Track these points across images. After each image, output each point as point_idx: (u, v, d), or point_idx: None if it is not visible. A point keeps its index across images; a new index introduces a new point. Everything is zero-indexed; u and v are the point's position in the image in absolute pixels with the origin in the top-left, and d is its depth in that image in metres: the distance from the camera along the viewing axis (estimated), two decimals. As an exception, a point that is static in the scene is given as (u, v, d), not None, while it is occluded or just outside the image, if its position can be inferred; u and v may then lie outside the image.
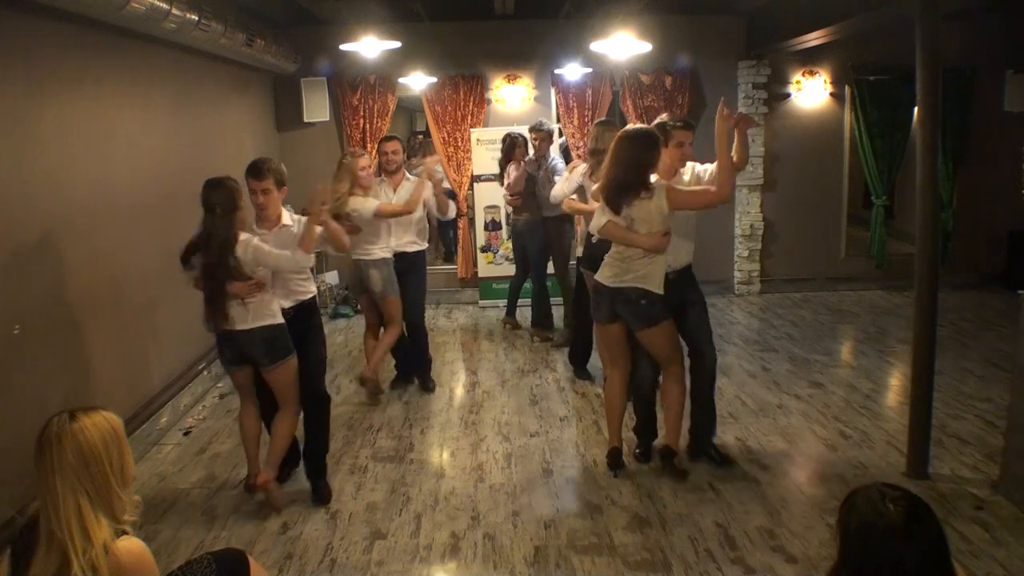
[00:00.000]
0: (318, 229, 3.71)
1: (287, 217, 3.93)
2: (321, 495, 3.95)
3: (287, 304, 3.90)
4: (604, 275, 3.89)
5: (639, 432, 4.30)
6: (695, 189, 3.86)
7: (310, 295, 4.05)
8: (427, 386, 5.55)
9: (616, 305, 3.86)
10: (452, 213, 5.55)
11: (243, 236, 3.61)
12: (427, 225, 5.47)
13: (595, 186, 4.18)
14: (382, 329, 5.34)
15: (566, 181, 5.17)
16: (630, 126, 3.87)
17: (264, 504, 3.87)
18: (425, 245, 5.46)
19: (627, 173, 3.70)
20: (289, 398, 3.86)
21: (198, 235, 3.61)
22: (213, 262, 3.54)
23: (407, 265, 5.29)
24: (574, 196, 5.20)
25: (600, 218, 3.85)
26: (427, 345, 5.63)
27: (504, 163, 6.43)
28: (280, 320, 3.76)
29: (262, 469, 3.84)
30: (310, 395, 3.98)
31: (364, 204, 4.94)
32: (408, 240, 5.30)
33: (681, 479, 3.99)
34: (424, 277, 5.48)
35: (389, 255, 5.15)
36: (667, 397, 4.05)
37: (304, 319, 3.98)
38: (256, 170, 3.81)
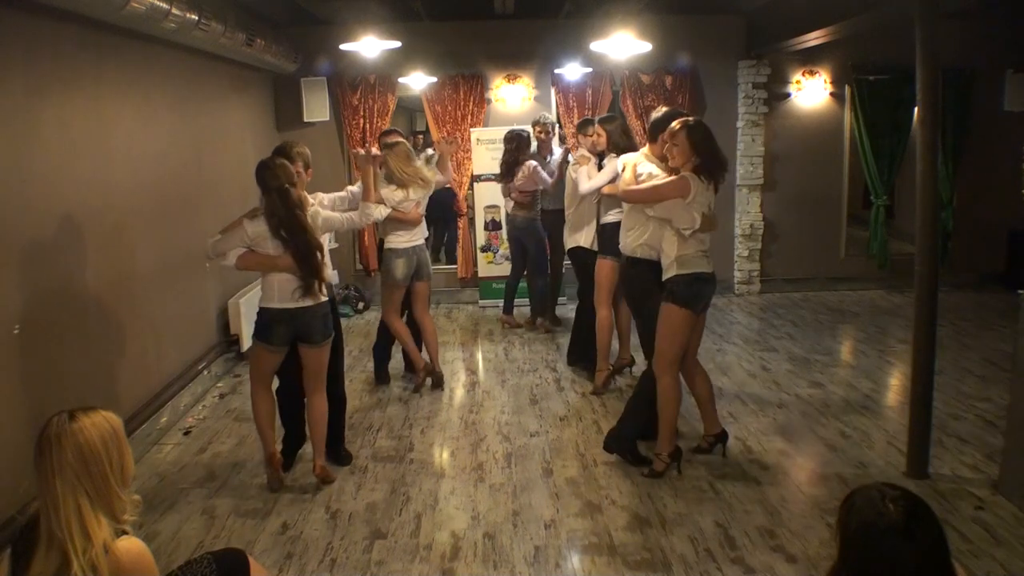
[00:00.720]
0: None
1: (309, 198, 4.08)
2: (340, 458, 4.31)
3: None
4: (705, 266, 3.94)
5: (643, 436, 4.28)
6: None
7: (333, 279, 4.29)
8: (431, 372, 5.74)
9: (708, 293, 4.00)
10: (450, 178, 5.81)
11: (311, 208, 3.85)
12: None
13: (626, 178, 4.22)
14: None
15: (603, 172, 5.14)
16: (692, 117, 3.97)
17: (265, 504, 3.89)
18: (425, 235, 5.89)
19: (719, 157, 3.91)
20: (321, 379, 4.02)
21: (270, 219, 3.73)
22: (299, 233, 3.71)
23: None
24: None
25: (690, 214, 3.84)
26: None
27: (516, 161, 6.44)
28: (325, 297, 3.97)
29: (315, 459, 4.05)
30: (335, 373, 4.26)
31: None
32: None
33: (726, 456, 4.26)
34: None
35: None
36: (703, 388, 4.22)
37: (332, 301, 4.17)
38: (283, 154, 3.99)
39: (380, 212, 4.15)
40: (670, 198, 3.90)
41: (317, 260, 3.79)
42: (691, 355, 4.18)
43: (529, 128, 6.62)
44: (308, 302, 3.83)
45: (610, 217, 5.11)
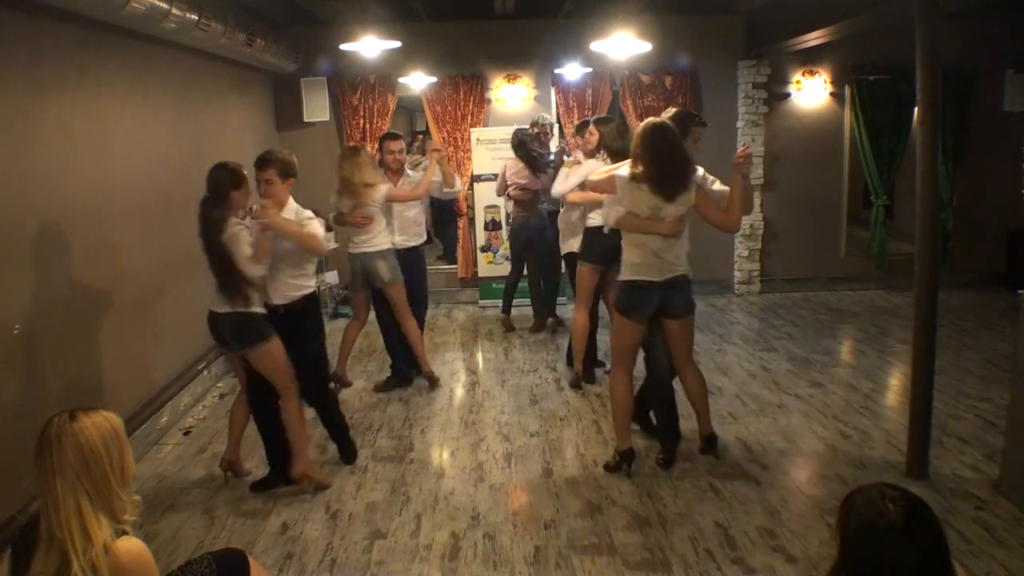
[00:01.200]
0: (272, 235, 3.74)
1: (291, 210, 3.94)
2: (346, 455, 4.34)
3: (278, 301, 3.92)
4: (645, 273, 3.86)
5: (664, 436, 4.24)
6: (716, 205, 3.90)
7: (303, 293, 4.02)
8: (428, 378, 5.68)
9: (668, 298, 3.88)
10: (459, 185, 5.55)
11: (233, 226, 3.68)
12: (424, 221, 5.74)
13: (593, 176, 4.19)
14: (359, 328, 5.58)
15: (571, 176, 5.21)
16: (656, 119, 3.84)
17: (265, 504, 3.89)
18: (423, 239, 5.71)
19: (680, 164, 3.75)
20: (280, 384, 3.89)
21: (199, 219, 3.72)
22: (205, 241, 3.66)
23: (412, 260, 5.49)
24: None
25: (613, 210, 3.89)
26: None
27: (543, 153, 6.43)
28: (253, 309, 3.77)
29: (293, 463, 3.97)
30: (308, 396, 4.12)
31: (376, 190, 5.12)
32: (413, 234, 5.54)
33: (719, 458, 4.21)
34: (424, 267, 5.77)
35: (391, 246, 5.28)
36: (693, 388, 4.13)
37: (295, 319, 3.97)
38: (260, 160, 3.92)
39: (255, 270, 3.76)
40: (600, 191, 4.00)
41: (228, 271, 3.64)
42: (678, 358, 4.09)
43: (528, 128, 6.61)
44: (218, 308, 3.74)
45: (592, 220, 5.13)
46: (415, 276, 5.56)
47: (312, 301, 4.11)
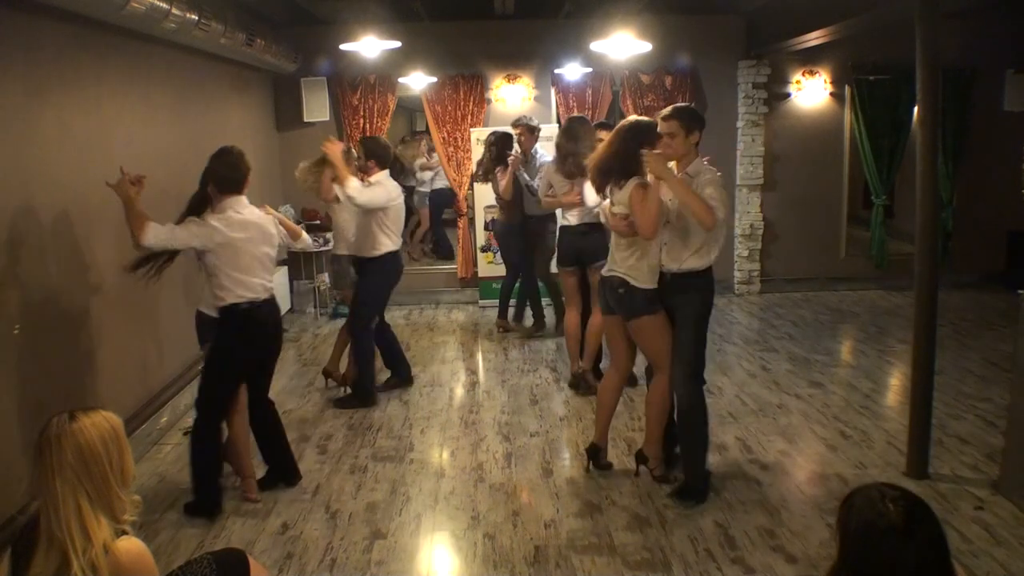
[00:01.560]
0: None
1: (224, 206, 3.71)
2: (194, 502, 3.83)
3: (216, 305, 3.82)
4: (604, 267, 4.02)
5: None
6: (645, 208, 3.53)
7: (227, 303, 3.69)
8: (353, 402, 5.22)
9: (608, 296, 3.87)
10: (340, 196, 4.91)
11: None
12: (377, 231, 5.02)
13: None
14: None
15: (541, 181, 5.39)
16: (633, 116, 3.93)
17: (265, 504, 3.89)
18: (376, 252, 5.04)
19: (612, 160, 3.75)
20: None
21: None
22: None
23: (359, 270, 5.22)
24: (550, 191, 5.35)
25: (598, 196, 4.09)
26: (364, 358, 5.19)
27: (496, 163, 6.31)
28: (203, 310, 3.95)
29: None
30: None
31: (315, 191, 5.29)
32: (363, 244, 5.11)
33: (661, 483, 3.94)
34: (370, 285, 5.14)
35: (343, 253, 5.33)
36: (648, 399, 3.98)
37: (220, 325, 3.78)
38: None
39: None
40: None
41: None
42: (651, 363, 3.97)
43: (510, 129, 6.44)
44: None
45: (568, 220, 5.19)
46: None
47: (240, 312, 3.69)
